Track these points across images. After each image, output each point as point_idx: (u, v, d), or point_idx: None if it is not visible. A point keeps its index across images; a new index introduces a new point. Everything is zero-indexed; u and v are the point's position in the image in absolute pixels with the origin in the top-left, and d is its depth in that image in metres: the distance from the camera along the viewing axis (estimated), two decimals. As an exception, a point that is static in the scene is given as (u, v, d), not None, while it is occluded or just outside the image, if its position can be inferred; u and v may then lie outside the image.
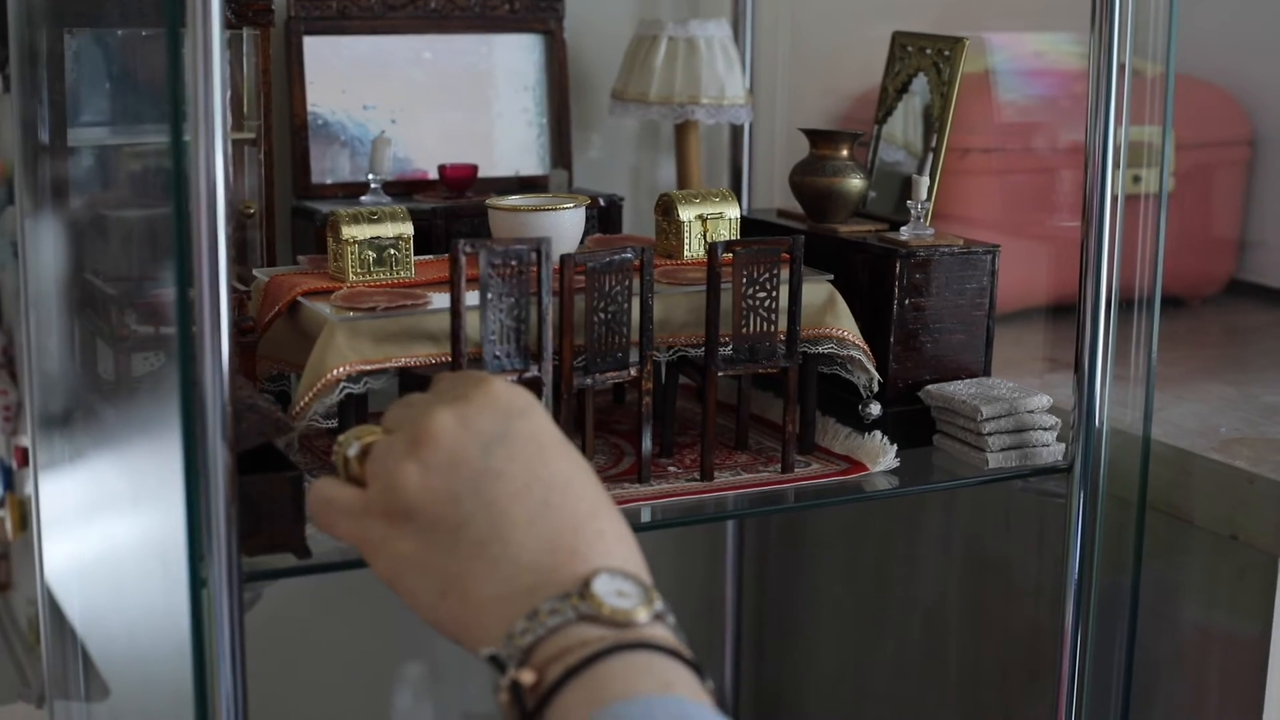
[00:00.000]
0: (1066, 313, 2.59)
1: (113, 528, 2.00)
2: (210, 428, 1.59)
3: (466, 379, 1.27)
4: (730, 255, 1.99)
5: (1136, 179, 2.67)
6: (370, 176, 2.32)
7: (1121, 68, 2.01)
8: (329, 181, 2.43)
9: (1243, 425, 2.22)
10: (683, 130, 2.54)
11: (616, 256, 1.94)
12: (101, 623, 2.16)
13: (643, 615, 1.12)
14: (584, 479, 1.22)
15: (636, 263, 1.95)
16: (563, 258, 1.90)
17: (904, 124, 2.39)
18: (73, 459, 2.19)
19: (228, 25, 2.22)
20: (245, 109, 2.30)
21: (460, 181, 2.37)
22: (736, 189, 2.70)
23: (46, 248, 2.18)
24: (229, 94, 1.66)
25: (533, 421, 1.23)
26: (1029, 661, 2.41)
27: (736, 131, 2.71)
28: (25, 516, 2.60)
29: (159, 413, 1.84)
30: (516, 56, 2.53)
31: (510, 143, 2.54)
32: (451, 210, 2.28)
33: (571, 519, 1.18)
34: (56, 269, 2.15)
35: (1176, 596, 2.15)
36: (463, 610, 1.17)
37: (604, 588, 1.13)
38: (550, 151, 2.55)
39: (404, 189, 2.41)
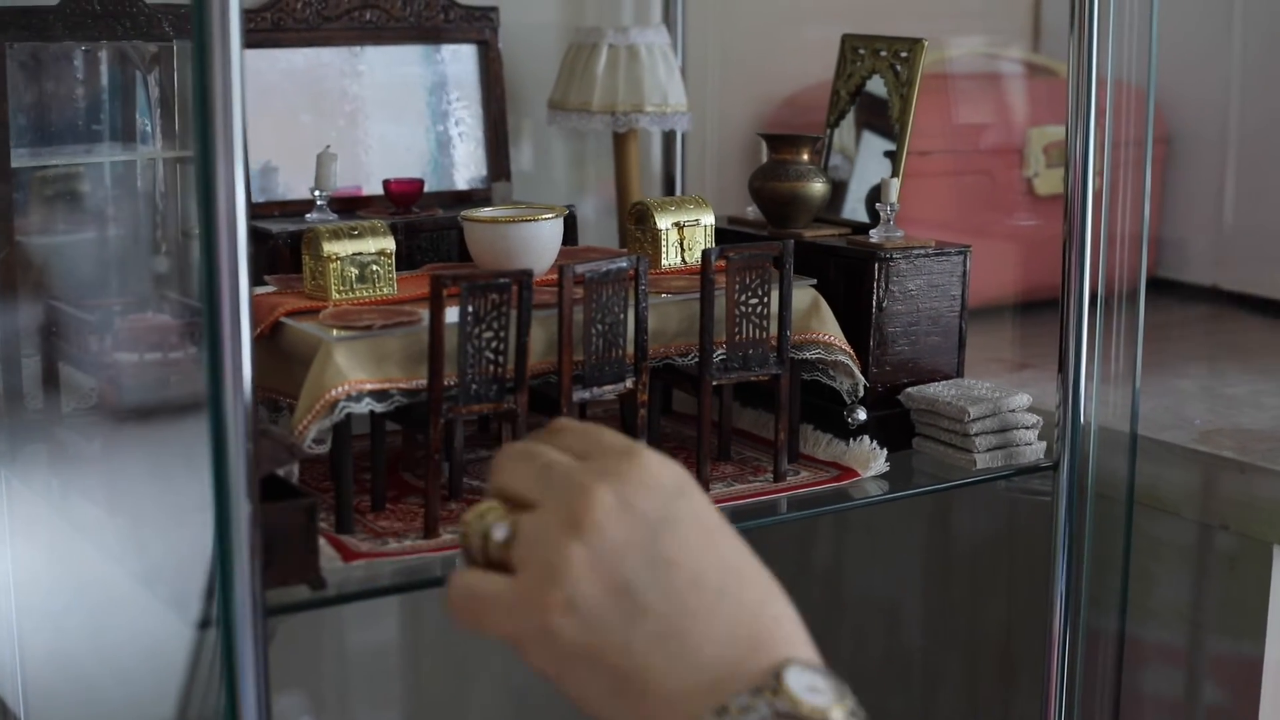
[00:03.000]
0: (1004, 313, 2.61)
1: (98, 570, 1.90)
2: (233, 456, 1.51)
3: (610, 449, 1.15)
4: (722, 262, 1.95)
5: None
6: (316, 193, 2.23)
7: (1102, 77, 2.01)
8: (263, 199, 2.34)
9: (1213, 417, 2.23)
10: (622, 139, 2.50)
11: (613, 266, 1.89)
12: (65, 669, 2.06)
13: (838, 714, 1.06)
14: (751, 561, 1.14)
15: (631, 272, 1.91)
16: (562, 268, 1.84)
17: (840, 128, 2.37)
18: (27, 500, 2.08)
19: (163, 37, 2.14)
20: (178, 126, 2.22)
21: (406, 196, 2.30)
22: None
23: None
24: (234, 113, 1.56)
25: (694, 501, 1.14)
26: (1000, 663, 2.40)
27: (669, 139, 2.67)
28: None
29: (160, 442, 1.76)
30: (452, 68, 2.47)
31: (447, 155, 2.47)
32: (410, 225, 2.21)
33: (748, 606, 1.11)
34: (4, 296, 2.04)
35: (1166, 590, 2.15)
36: (641, 707, 1.09)
37: (797, 682, 1.06)
38: (488, 163, 2.48)
39: (343, 205, 2.33)
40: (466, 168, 2.48)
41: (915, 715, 2.60)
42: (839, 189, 2.34)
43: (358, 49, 2.39)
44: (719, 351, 1.98)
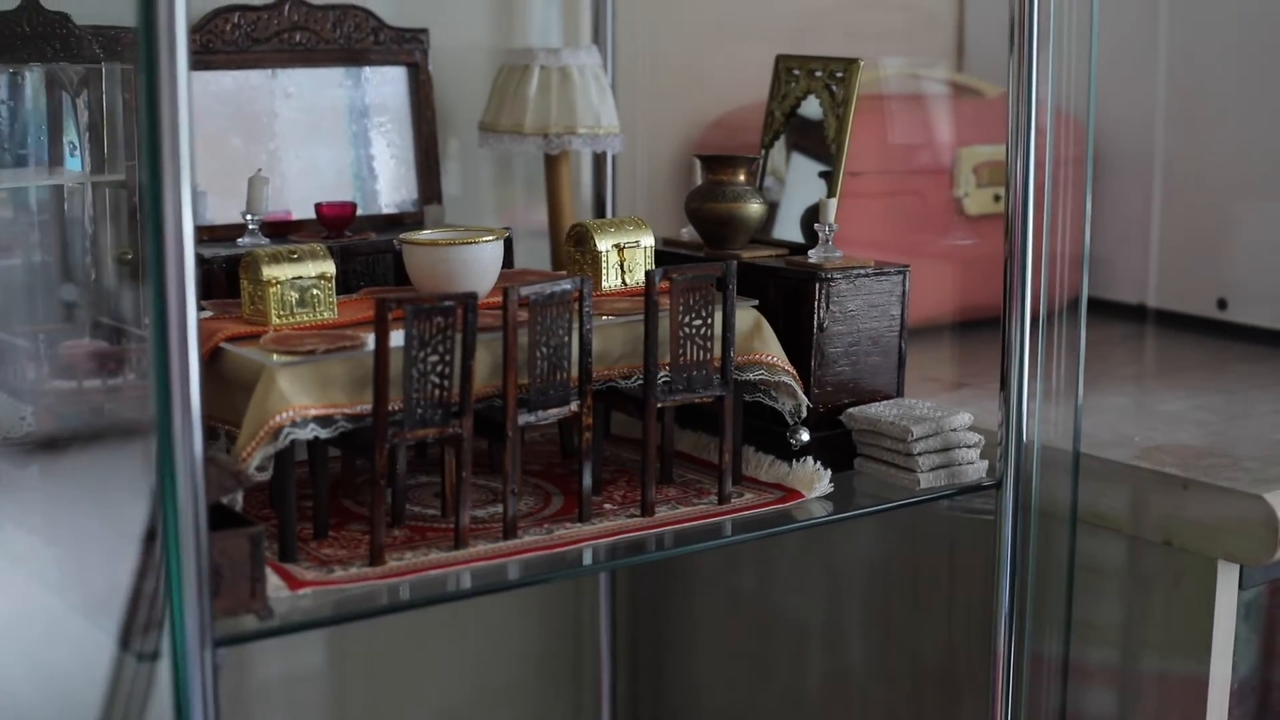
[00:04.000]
0: (939, 333, 2.61)
1: (34, 600, 1.86)
2: (183, 484, 1.48)
3: None
4: (666, 283, 1.94)
5: (997, 198, 2.71)
6: (247, 217, 2.19)
7: (1042, 99, 2.02)
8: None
9: (1152, 434, 2.24)
10: (554, 161, 2.48)
11: (558, 288, 1.87)
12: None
13: None
14: None
15: (575, 294, 1.89)
16: (506, 290, 1.82)
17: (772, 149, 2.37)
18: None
19: (93, 59, 2.11)
20: (107, 149, 2.18)
21: (339, 220, 2.27)
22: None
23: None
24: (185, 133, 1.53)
25: None
26: (944, 684, 2.40)
27: (599, 161, 2.65)
28: None
29: (97, 469, 1.73)
30: (382, 90, 2.44)
31: (378, 178, 2.44)
32: (345, 249, 2.18)
33: None
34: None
35: (1110, 607, 2.16)
36: None
37: None
38: (419, 186, 2.46)
39: (273, 230, 2.29)
40: (397, 191, 2.45)
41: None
42: (771, 210, 2.33)
43: (287, 71, 2.36)
44: (663, 373, 1.96)
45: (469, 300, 1.80)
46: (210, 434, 1.89)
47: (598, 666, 2.87)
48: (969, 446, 2.09)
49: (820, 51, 2.30)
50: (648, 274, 1.92)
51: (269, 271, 1.88)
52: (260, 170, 2.23)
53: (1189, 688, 2.07)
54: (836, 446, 2.14)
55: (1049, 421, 2.16)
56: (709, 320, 1.97)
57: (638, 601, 2.92)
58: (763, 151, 2.35)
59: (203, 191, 2.33)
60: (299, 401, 1.77)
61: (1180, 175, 2.84)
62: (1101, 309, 2.90)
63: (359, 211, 2.35)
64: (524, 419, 1.87)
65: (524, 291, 1.84)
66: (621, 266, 2.10)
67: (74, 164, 2.14)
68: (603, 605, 2.84)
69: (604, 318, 1.99)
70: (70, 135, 2.12)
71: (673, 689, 2.90)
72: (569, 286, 1.88)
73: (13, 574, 1.88)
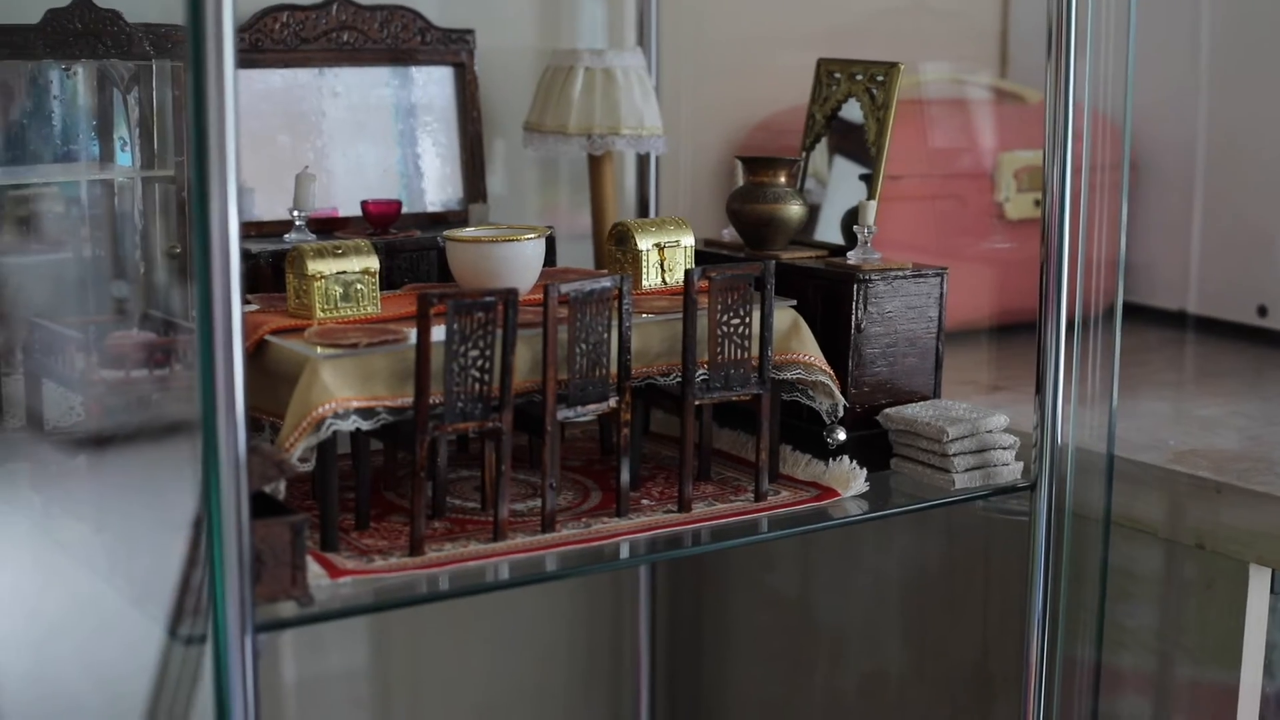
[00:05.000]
0: (977, 336, 2.63)
1: (84, 587, 1.89)
2: (226, 473, 1.51)
3: None
4: (705, 282, 1.96)
5: (1037, 203, 2.72)
6: (294, 213, 2.23)
7: (1079, 104, 2.03)
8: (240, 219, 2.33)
9: (1187, 438, 2.25)
10: (598, 161, 2.50)
11: (598, 286, 1.90)
12: (46, 685, 2.04)
13: None
14: None
15: (615, 292, 1.92)
16: (546, 287, 1.85)
17: (812, 153, 2.39)
18: (5, 517, 2.07)
19: (143, 56, 2.14)
20: (157, 145, 2.22)
21: (384, 217, 2.30)
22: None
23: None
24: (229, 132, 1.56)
25: None
26: (976, 681, 2.41)
27: (643, 162, 2.68)
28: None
29: (145, 458, 1.76)
30: (428, 90, 2.47)
31: (424, 177, 2.48)
32: (390, 246, 2.21)
33: None
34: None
35: (1143, 610, 2.17)
36: None
37: None
38: (464, 185, 2.49)
39: (320, 226, 2.33)
40: (442, 189, 2.48)
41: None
42: (812, 212, 2.35)
43: (335, 70, 2.40)
44: (701, 371, 1.98)
45: (510, 296, 1.82)
46: (255, 425, 1.92)
47: (637, 663, 2.89)
48: (1004, 448, 2.11)
49: (866, 56, 2.32)
50: (686, 273, 1.94)
51: (314, 266, 1.92)
52: (307, 167, 2.26)
53: (1220, 692, 2.08)
54: (873, 446, 2.16)
55: (1085, 425, 2.17)
56: (747, 319, 1.99)
57: (677, 599, 2.94)
58: (803, 154, 2.38)
59: (251, 188, 2.36)
60: (341, 394, 1.80)
61: (1221, 182, 2.85)
62: (1142, 315, 2.91)
63: (405, 209, 2.38)
64: (563, 414, 1.90)
65: (564, 289, 1.86)
66: (662, 265, 2.13)
67: (125, 159, 2.18)
68: (642, 602, 2.86)
69: (644, 316, 2.01)
70: (121, 131, 2.16)
71: (711, 686, 2.92)
72: (609, 284, 1.91)
73: (63, 561, 1.92)
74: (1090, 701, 2.18)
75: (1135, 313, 2.94)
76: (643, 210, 2.69)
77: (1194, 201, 2.87)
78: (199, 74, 1.46)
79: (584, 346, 1.90)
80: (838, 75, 2.35)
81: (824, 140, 2.38)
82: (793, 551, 2.72)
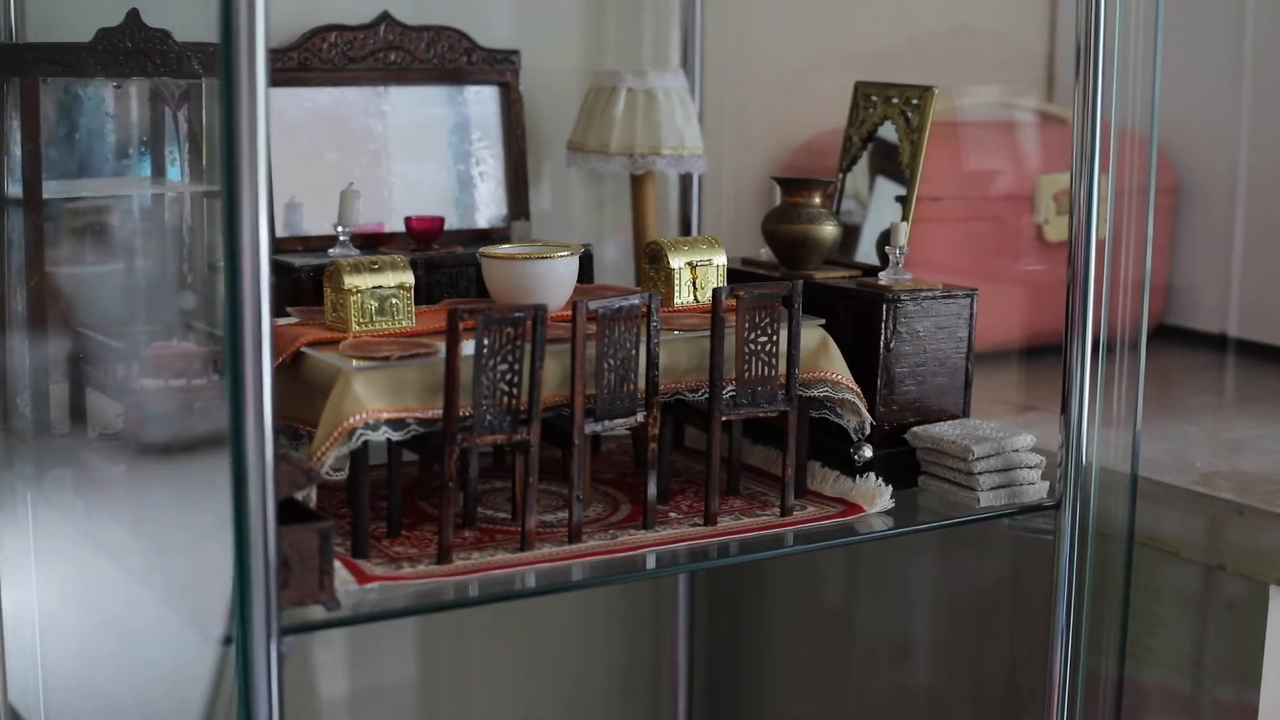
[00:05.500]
0: (1012, 357, 2.65)
1: (122, 588, 1.95)
2: (253, 479, 1.56)
3: None
4: (733, 301, 2.00)
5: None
6: (339, 228, 2.28)
7: (1106, 124, 2.06)
8: (286, 234, 2.40)
9: (1214, 460, 2.27)
10: (640, 180, 2.55)
11: (626, 303, 1.94)
12: (88, 685, 2.11)
13: None
14: None
15: (643, 310, 1.96)
16: (574, 303, 1.89)
17: (852, 173, 2.43)
18: (52, 521, 2.13)
19: (192, 74, 2.20)
20: (205, 161, 2.28)
21: (427, 234, 2.35)
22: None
23: (18, 302, 2.13)
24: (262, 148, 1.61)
25: None
26: (1005, 697, 2.44)
27: (686, 181, 2.72)
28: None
29: (183, 465, 1.81)
30: (474, 109, 2.53)
31: (468, 194, 2.53)
32: (430, 261, 2.26)
33: None
34: (33, 323, 2.10)
35: (1165, 630, 2.19)
36: None
37: None
38: (508, 202, 2.54)
39: (366, 241, 2.38)
40: (487, 206, 2.53)
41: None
42: (852, 232, 2.39)
43: (382, 89, 2.45)
44: (729, 388, 2.02)
45: (539, 312, 1.87)
46: (294, 435, 1.97)
47: (675, 674, 2.93)
48: (1030, 467, 2.14)
49: (910, 80, 2.35)
50: (714, 291, 1.98)
51: (350, 281, 1.97)
52: (352, 184, 2.32)
53: (1241, 710, 2.10)
54: (901, 464, 2.19)
55: (1112, 445, 2.19)
56: (774, 337, 2.03)
57: (715, 612, 2.98)
58: (840, 175, 2.41)
59: (299, 204, 2.42)
60: (373, 405, 1.85)
61: (1264, 205, 2.86)
62: (1183, 337, 2.93)
63: (450, 225, 2.44)
64: (590, 428, 1.94)
65: (592, 305, 1.91)
66: (694, 284, 2.17)
67: (174, 174, 2.24)
68: (681, 615, 2.90)
69: (675, 333, 2.05)
70: (171, 147, 2.22)
71: (748, 698, 2.96)
72: (637, 302, 1.95)
73: (103, 563, 1.98)
74: (1113, 718, 2.20)
75: (1177, 335, 2.96)
76: (685, 229, 2.73)
77: (1235, 224, 2.89)
78: (230, 90, 1.51)
79: (612, 362, 1.94)
80: (874, 98, 2.38)
81: (865, 161, 2.42)
82: (829, 566, 2.75)
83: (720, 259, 2.19)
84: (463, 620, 2.80)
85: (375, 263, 2.00)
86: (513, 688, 2.89)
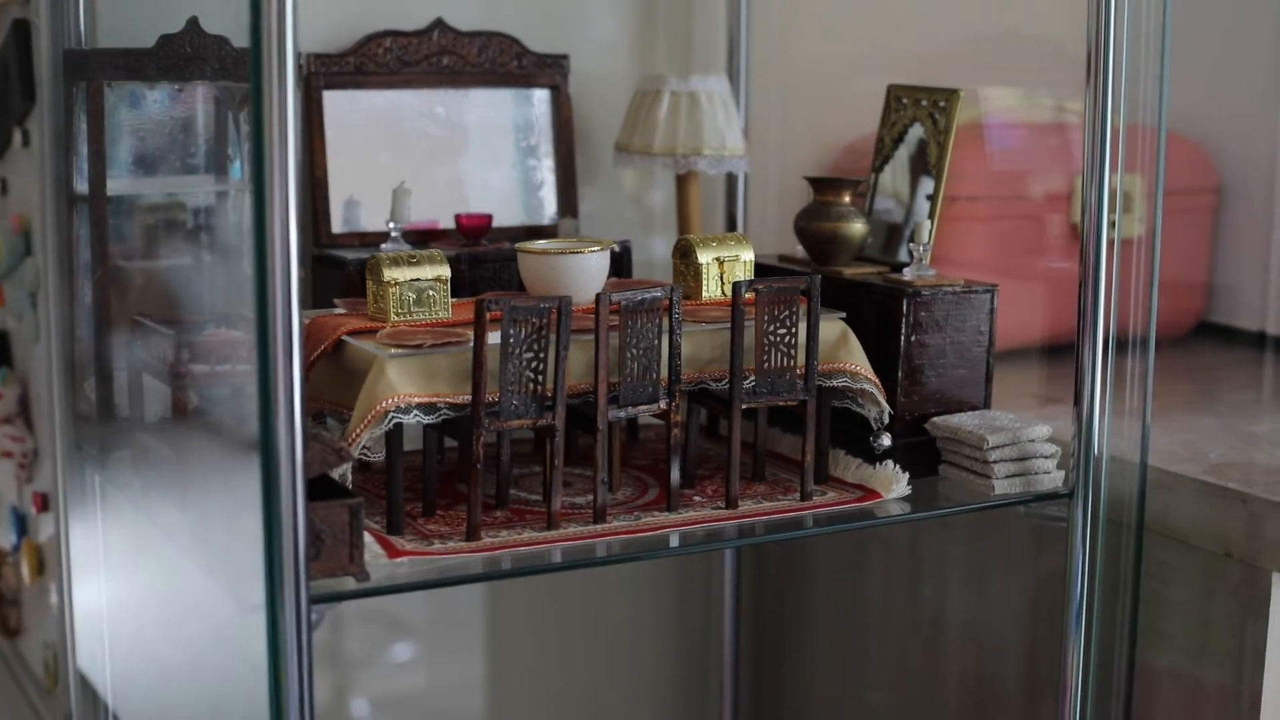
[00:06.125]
0: (1048, 353, 2.73)
1: (172, 560, 2.08)
2: (283, 457, 1.67)
3: None
4: (752, 294, 2.10)
5: (1112, 224, 2.80)
6: (390, 225, 2.40)
7: (1116, 126, 2.13)
8: (344, 230, 2.52)
9: (1229, 452, 2.34)
10: (684, 180, 2.65)
11: (648, 295, 2.04)
12: (145, 652, 2.23)
13: None
14: None
15: (665, 302, 2.06)
16: (598, 295, 2.00)
17: (892, 173, 2.51)
18: (115, 499, 2.26)
19: (248, 78, 2.32)
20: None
21: (476, 230, 2.47)
22: (733, 236, 2.81)
23: (85, 293, 2.26)
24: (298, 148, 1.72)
25: None
26: (1027, 679, 2.52)
27: (731, 181, 2.82)
28: (42, 562, 2.67)
29: (224, 447, 1.93)
30: (525, 111, 2.64)
31: (518, 193, 2.64)
32: (474, 256, 2.37)
33: None
34: (98, 313, 2.23)
35: (1173, 612, 2.26)
36: None
37: None
38: (557, 201, 2.65)
39: (419, 237, 2.50)
40: (536, 204, 2.65)
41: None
42: (893, 231, 2.47)
43: (435, 92, 2.57)
44: (749, 378, 2.12)
45: (564, 303, 1.97)
46: (339, 419, 2.09)
47: (721, 650, 3.04)
48: (1045, 457, 2.21)
49: (955, 83, 2.42)
50: (734, 285, 2.08)
51: (389, 273, 2.08)
52: (403, 182, 2.43)
53: (1246, 694, 2.17)
54: (922, 453, 2.27)
55: (1129, 437, 2.26)
56: (793, 329, 2.12)
57: (761, 593, 3.07)
58: (872, 175, 2.50)
59: (357, 201, 2.55)
60: (405, 389, 1.96)
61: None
62: (1222, 335, 2.99)
63: (499, 223, 2.55)
64: (614, 414, 2.05)
65: (615, 297, 2.01)
66: (722, 278, 2.26)
67: (235, 173, 2.36)
68: (727, 594, 3.01)
69: (703, 325, 2.15)
70: (231, 147, 2.34)
71: (790, 677, 3.05)
72: (659, 294, 2.05)
73: (155, 535, 2.10)
74: (1124, 701, 2.27)
75: (1216, 332, 3.02)
76: (730, 227, 2.83)
77: (1275, 224, 2.94)
78: (258, 96, 1.62)
79: (635, 351, 2.04)
80: (905, 100, 2.47)
81: (906, 162, 2.50)
82: (867, 552, 2.83)
83: (747, 255, 2.28)
84: (516, 600, 2.92)
85: (414, 257, 2.11)
86: (570, 658, 3.01)
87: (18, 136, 2.52)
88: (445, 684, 2.93)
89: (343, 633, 2.81)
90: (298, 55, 1.64)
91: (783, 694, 3.08)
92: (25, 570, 2.71)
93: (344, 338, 2.06)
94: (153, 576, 2.18)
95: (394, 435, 1.99)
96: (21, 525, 2.75)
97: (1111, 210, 2.15)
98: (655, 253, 2.79)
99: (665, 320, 2.06)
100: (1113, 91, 2.13)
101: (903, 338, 2.26)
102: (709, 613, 3.07)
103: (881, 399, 2.23)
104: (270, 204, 1.64)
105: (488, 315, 1.93)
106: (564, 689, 3.02)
